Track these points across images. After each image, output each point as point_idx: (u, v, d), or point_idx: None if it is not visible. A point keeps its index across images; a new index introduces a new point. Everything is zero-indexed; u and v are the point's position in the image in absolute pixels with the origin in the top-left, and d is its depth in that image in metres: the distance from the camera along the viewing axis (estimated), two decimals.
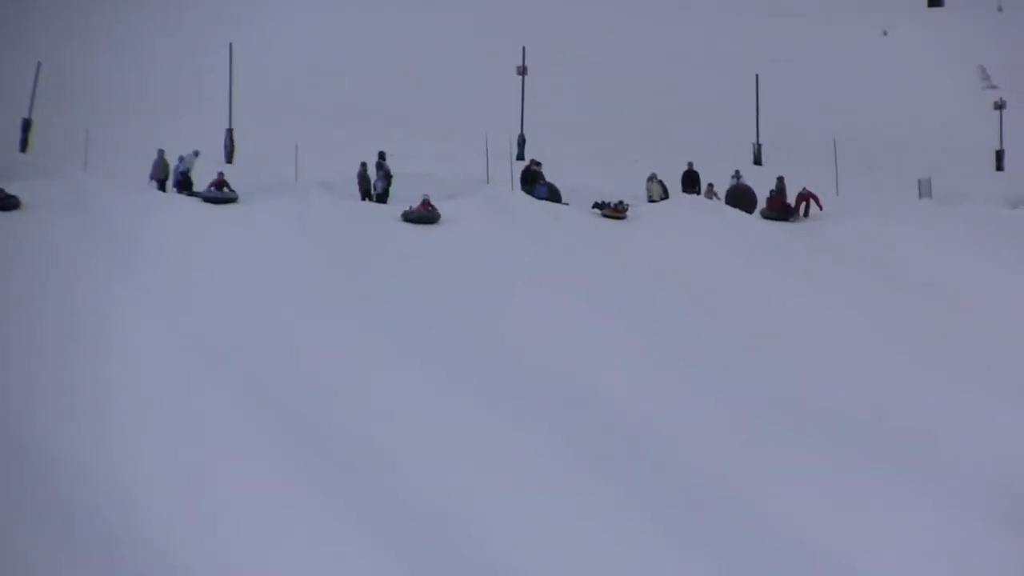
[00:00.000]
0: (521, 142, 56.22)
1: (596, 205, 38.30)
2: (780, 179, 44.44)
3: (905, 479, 21.37)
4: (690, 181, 45.96)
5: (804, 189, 43.47)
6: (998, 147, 64.76)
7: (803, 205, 43.33)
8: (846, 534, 19.14)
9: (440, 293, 31.74)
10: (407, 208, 35.05)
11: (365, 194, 43.27)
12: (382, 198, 43.02)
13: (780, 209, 42.96)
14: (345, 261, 33.49)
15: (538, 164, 44.95)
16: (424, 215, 34.22)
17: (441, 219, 36.78)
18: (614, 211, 36.85)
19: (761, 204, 43.90)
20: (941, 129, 68.57)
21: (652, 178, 44.74)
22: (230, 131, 56.59)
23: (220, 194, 36.92)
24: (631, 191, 44.59)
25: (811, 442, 23.04)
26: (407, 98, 69.60)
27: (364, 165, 43.76)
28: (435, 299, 31.18)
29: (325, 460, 21.36)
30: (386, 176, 43.62)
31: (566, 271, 34.05)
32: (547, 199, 42.20)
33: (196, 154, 43.49)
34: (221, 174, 36.95)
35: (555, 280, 32.85)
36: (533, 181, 43.82)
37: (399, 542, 18.54)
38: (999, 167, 64.32)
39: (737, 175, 46.59)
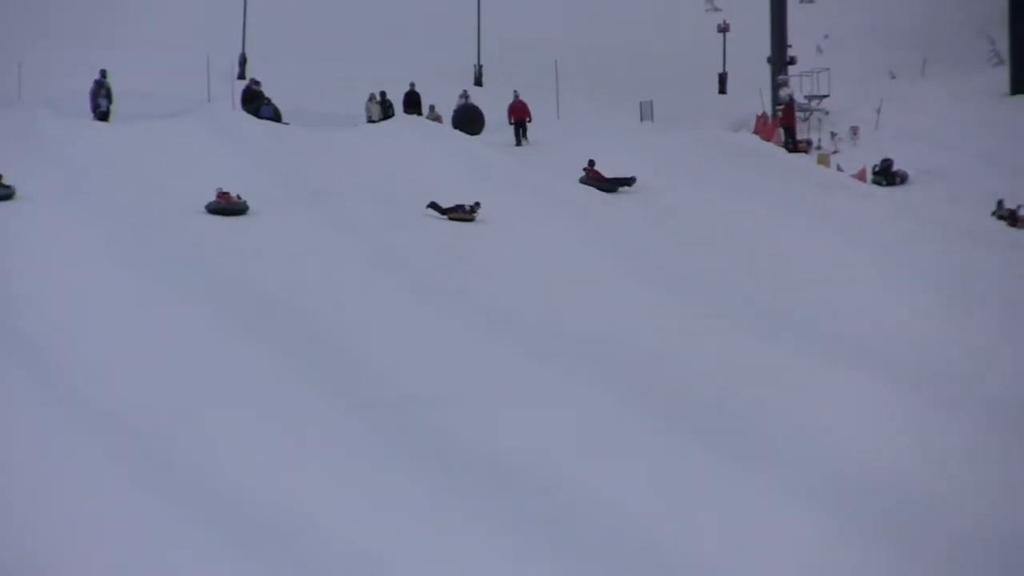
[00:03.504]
0: (243, 61, 56.07)
1: (432, 206, 32.36)
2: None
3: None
4: (412, 102, 46.28)
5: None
6: (721, 70, 66.65)
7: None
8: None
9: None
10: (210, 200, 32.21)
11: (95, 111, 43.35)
12: (103, 116, 43.00)
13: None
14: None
15: (258, 83, 44.94)
16: (224, 207, 32.19)
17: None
18: (467, 213, 33.27)
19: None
20: (664, 51, 69.57)
21: (372, 98, 45.04)
22: None
23: None
24: (351, 111, 44.92)
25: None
26: (129, 14, 68.41)
27: (97, 83, 43.67)
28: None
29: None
30: (107, 94, 43.53)
31: (290, 191, 33.51)
32: (271, 119, 42.31)
33: None
34: None
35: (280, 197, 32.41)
36: (254, 100, 43.93)
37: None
38: (722, 90, 66.09)
39: (465, 95, 47.09)
